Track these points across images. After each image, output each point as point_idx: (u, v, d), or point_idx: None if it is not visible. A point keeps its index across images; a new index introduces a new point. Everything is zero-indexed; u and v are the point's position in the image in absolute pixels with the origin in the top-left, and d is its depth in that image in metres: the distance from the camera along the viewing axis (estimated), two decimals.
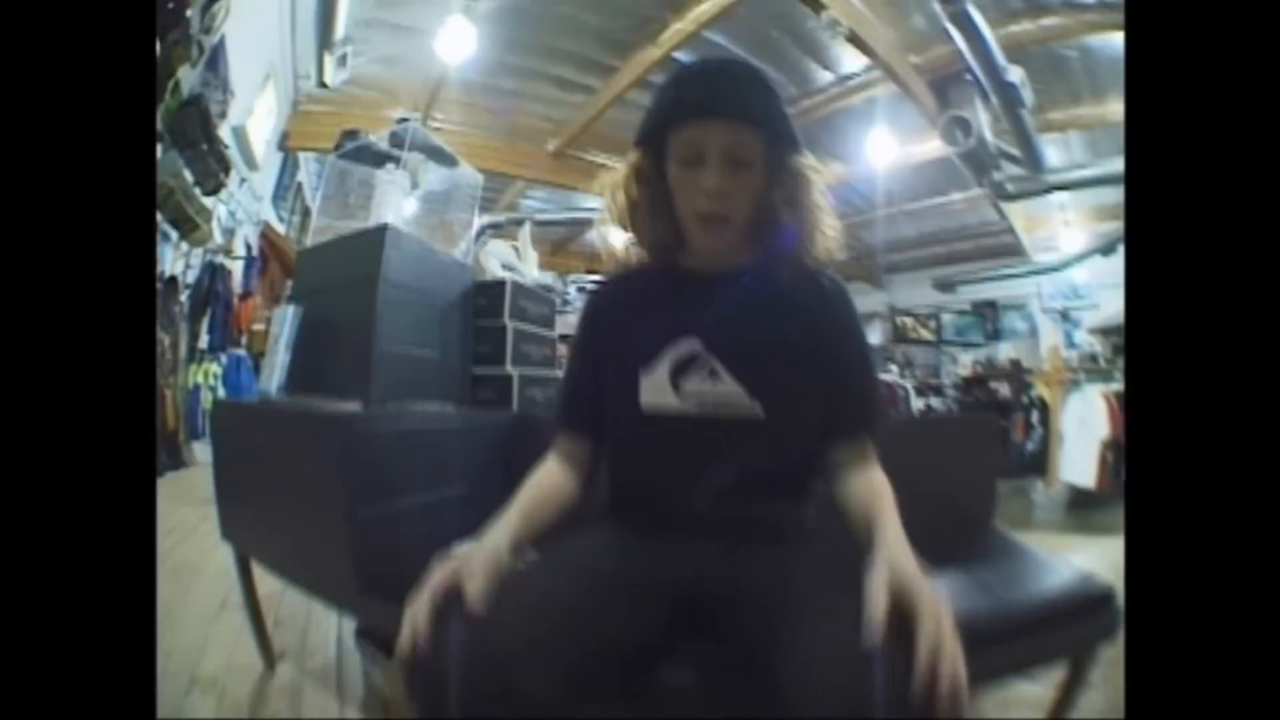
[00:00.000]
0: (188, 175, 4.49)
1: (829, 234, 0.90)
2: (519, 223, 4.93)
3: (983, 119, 5.11)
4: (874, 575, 0.66)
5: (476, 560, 0.73)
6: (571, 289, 4.76)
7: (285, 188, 7.19)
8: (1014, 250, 8.33)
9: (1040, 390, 4.47)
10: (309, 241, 2.06)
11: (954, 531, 1.16)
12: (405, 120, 3.09)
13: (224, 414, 1.90)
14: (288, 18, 5.24)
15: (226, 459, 1.58)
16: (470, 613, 0.68)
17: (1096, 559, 3.31)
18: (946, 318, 9.54)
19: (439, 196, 2.24)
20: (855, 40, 4.81)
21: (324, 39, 5.15)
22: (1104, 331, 5.38)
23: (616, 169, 0.94)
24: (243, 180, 5.65)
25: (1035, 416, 4.41)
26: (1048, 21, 4.80)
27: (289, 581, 1.44)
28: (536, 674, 0.65)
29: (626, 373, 0.89)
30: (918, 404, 7.11)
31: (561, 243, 9.14)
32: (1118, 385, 4.65)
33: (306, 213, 8.31)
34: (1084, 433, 4.38)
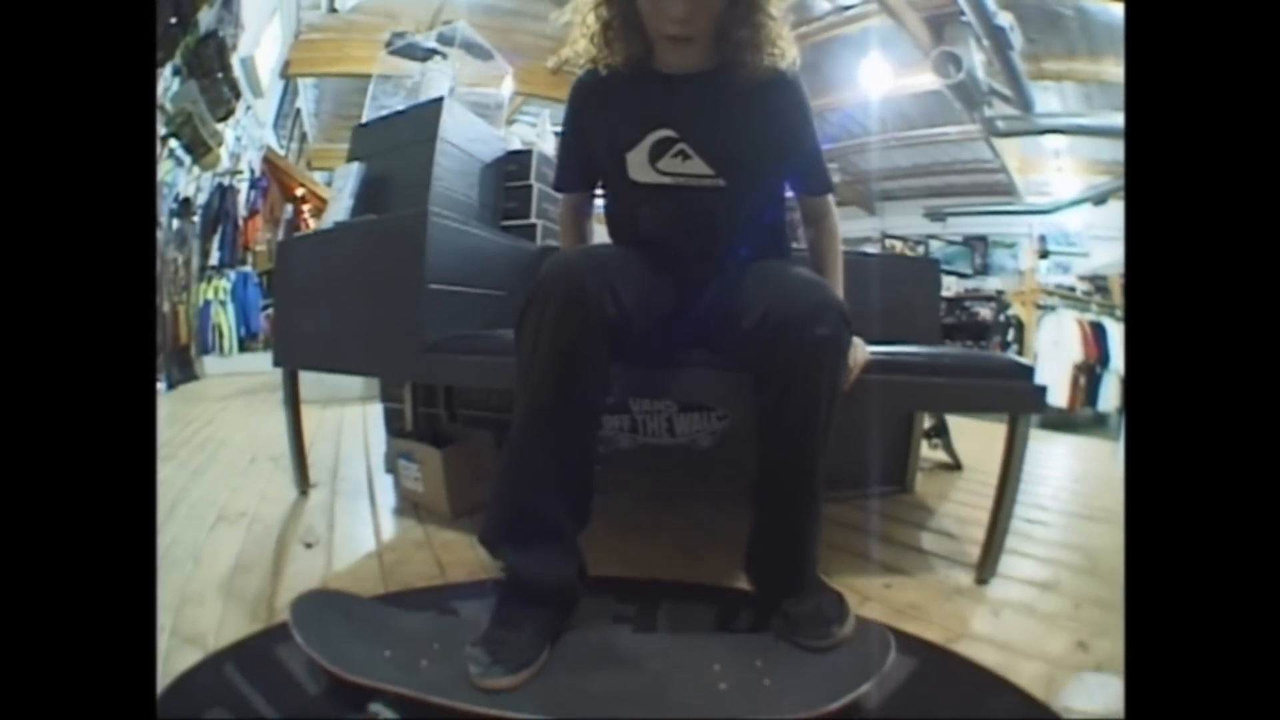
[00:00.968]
0: (203, 103, 4.61)
1: (779, 43, 1.06)
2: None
3: (976, 58, 5.23)
4: None
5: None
6: None
7: (284, 114, 7.23)
8: (1006, 189, 8.44)
9: (1016, 310, 4.70)
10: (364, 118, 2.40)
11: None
12: (402, 34, 3.29)
13: (292, 247, 2.24)
14: None
15: (292, 288, 1.85)
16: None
17: (1069, 448, 3.59)
18: (935, 245, 9.60)
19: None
20: None
21: None
22: (1092, 280, 5.63)
23: None
24: (248, 107, 5.72)
25: (1010, 334, 4.65)
26: None
27: (349, 369, 1.74)
28: (610, 303, 0.93)
29: (615, 153, 1.13)
30: None
31: None
32: (1092, 316, 4.91)
33: (304, 138, 8.35)
34: (1057, 354, 4.62)
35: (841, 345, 0.94)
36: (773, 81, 1.08)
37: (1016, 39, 4.88)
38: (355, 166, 1.95)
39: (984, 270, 8.73)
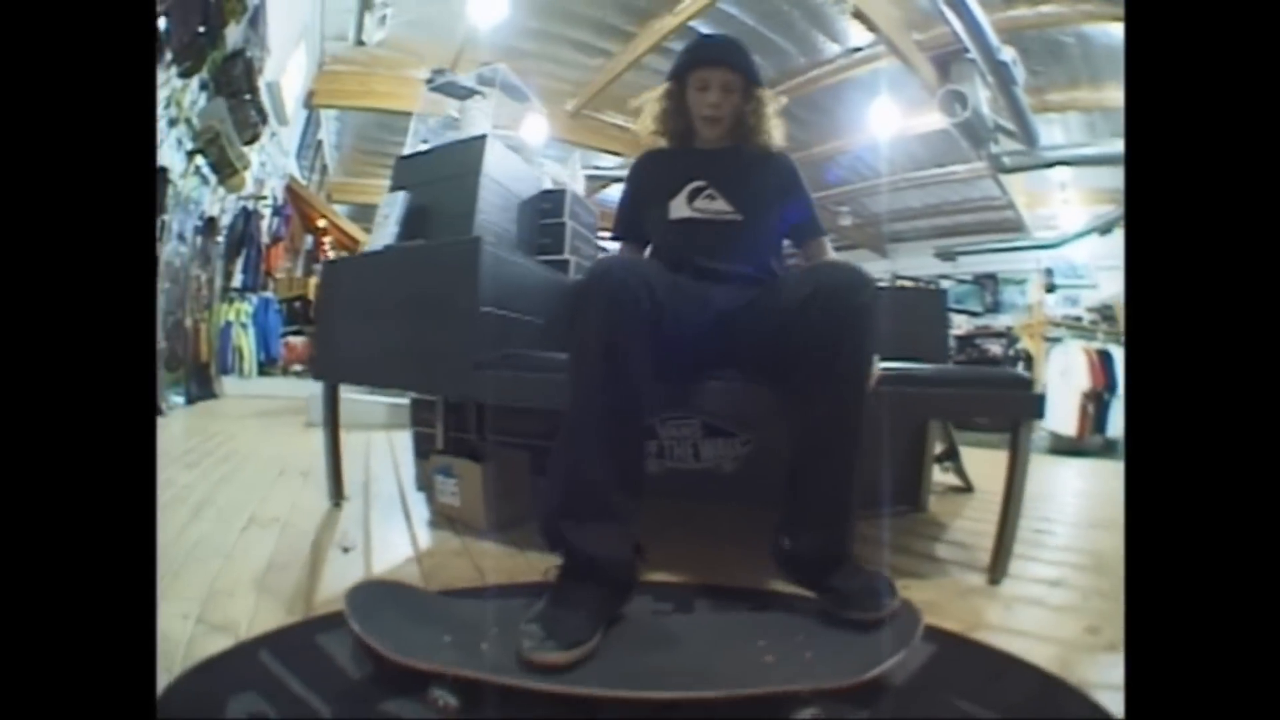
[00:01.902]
0: (230, 123, 4.75)
1: (773, 131, 1.50)
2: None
3: (981, 95, 5.40)
4: None
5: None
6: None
7: (307, 145, 7.44)
8: (1015, 226, 8.59)
9: (1025, 343, 4.77)
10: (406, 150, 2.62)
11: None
12: (442, 71, 3.47)
13: (340, 268, 2.42)
14: None
15: (336, 306, 1.96)
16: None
17: (1076, 471, 3.64)
18: (946, 284, 9.73)
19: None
20: (860, 16, 5.12)
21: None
22: (1101, 311, 5.72)
23: (653, 92, 1.54)
24: (273, 134, 5.90)
25: (1020, 368, 4.71)
26: (1046, 9, 5.12)
27: (395, 384, 1.91)
28: (645, 295, 1.07)
29: (661, 199, 1.49)
30: None
31: None
32: (1099, 344, 4.98)
33: (325, 170, 8.56)
34: (1065, 383, 4.68)
35: (876, 315, 1.14)
36: (771, 155, 1.51)
37: (1019, 73, 5.05)
38: (401, 195, 2.10)
39: (995, 308, 8.84)
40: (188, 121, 4.44)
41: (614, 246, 1.64)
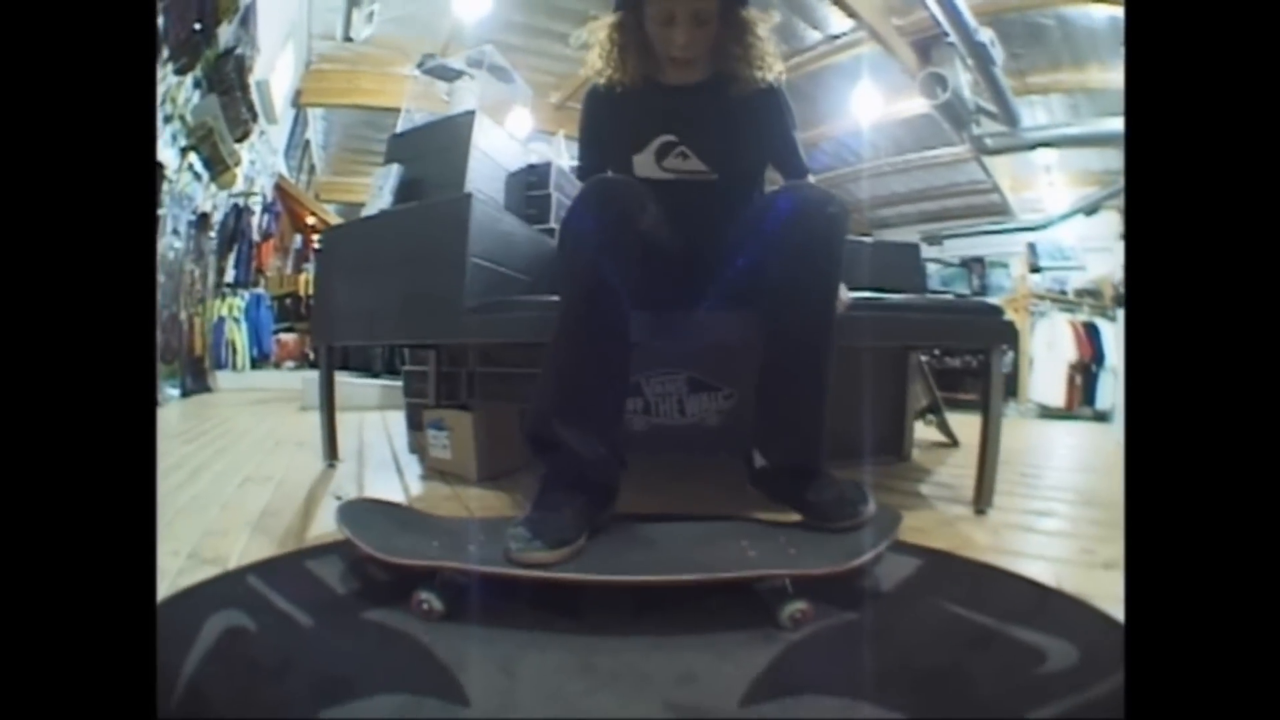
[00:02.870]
0: (223, 120, 4.78)
1: (766, 59, 1.25)
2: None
3: (962, 78, 5.46)
4: None
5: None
6: None
7: (295, 144, 7.46)
8: (1001, 209, 8.65)
9: (1010, 316, 4.82)
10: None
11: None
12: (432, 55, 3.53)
13: (337, 234, 2.54)
14: None
15: (335, 270, 2.03)
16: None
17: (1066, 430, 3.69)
18: (933, 268, 9.75)
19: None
20: (839, 2, 5.18)
21: None
22: (1090, 293, 5.78)
23: (598, 22, 1.28)
24: (262, 132, 5.93)
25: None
26: None
27: (391, 338, 1.96)
28: (640, 215, 1.10)
29: (624, 152, 1.31)
30: None
31: None
32: (1084, 316, 5.05)
33: (312, 169, 8.59)
34: (1052, 356, 4.74)
35: (846, 225, 1.15)
36: (761, 92, 1.27)
37: (998, 54, 5.10)
38: (394, 167, 2.16)
39: (982, 291, 8.87)
40: (181, 118, 4.47)
41: None
